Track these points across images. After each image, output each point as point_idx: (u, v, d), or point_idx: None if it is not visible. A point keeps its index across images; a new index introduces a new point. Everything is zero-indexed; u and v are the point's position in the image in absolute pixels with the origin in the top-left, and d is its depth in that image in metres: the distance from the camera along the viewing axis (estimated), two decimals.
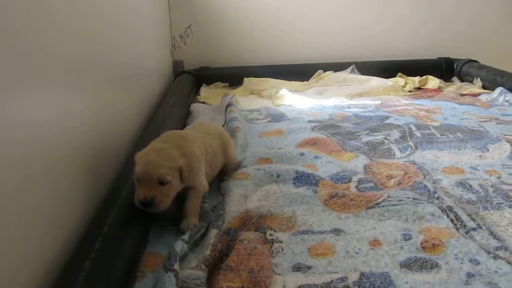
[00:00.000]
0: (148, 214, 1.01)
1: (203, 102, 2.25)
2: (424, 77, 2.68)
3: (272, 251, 0.95)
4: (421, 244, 0.95)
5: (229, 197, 1.17)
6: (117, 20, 1.45)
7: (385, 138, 1.61)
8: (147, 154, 1.00)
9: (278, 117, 1.94)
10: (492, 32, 2.92)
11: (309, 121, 1.84)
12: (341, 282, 0.85)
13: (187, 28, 2.77)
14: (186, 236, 0.97)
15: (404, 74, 2.76)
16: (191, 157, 1.05)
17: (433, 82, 2.63)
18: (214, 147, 1.23)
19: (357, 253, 0.93)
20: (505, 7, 2.91)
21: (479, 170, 1.32)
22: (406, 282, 0.84)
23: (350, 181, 1.26)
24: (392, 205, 1.10)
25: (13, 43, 0.72)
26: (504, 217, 1.05)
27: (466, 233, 0.99)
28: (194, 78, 2.61)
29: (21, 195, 0.72)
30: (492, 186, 1.21)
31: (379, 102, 2.18)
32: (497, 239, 0.96)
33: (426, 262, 0.89)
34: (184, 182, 1.03)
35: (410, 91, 2.51)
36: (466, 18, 2.89)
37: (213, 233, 0.98)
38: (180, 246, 0.93)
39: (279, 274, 0.88)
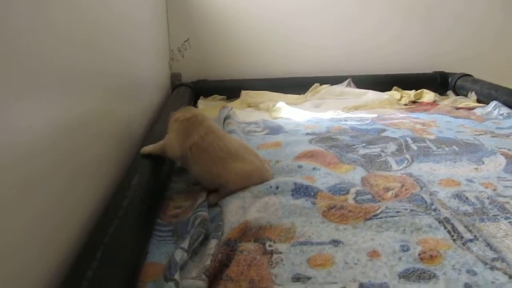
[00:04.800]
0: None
1: None
2: (420, 90, 2.72)
3: (272, 261, 0.96)
4: (419, 255, 0.95)
5: (227, 208, 1.18)
6: (117, 31, 1.46)
7: (382, 151, 1.63)
8: None
9: (275, 130, 1.96)
10: (487, 49, 2.97)
11: (306, 134, 1.86)
12: None
13: (185, 41, 2.80)
14: (185, 245, 0.98)
15: (399, 87, 2.80)
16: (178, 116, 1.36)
17: (428, 95, 2.67)
18: (207, 141, 1.28)
19: (356, 264, 0.94)
20: (500, 25, 2.96)
21: (475, 182, 1.33)
22: None
23: (348, 193, 1.27)
24: (390, 216, 1.11)
25: (15, 52, 0.73)
26: (500, 228, 1.07)
27: (463, 244, 1.00)
28: (192, 91, 2.63)
29: (22, 199, 0.73)
30: (488, 198, 1.22)
31: (375, 115, 2.21)
32: (493, 250, 0.97)
33: (424, 273, 0.90)
34: None
35: (405, 105, 2.54)
36: (461, 34, 2.94)
37: (213, 243, 0.99)
38: (179, 255, 0.94)
39: (279, 285, 0.88)
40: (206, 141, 1.27)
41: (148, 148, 1.36)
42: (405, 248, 0.98)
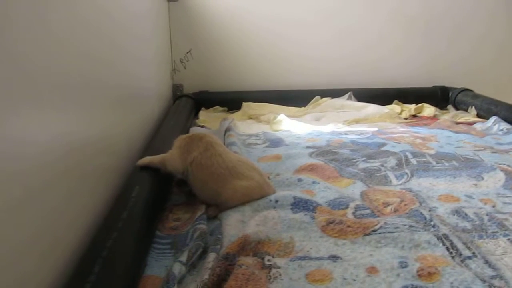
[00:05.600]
0: None
1: (202, 126, 2.28)
2: (420, 104, 2.73)
3: (270, 276, 0.95)
4: (417, 272, 0.95)
5: (227, 221, 1.18)
6: (120, 42, 1.48)
7: (382, 165, 1.63)
8: None
9: (276, 142, 1.96)
10: (487, 64, 2.98)
11: (307, 147, 1.86)
12: None
13: (187, 52, 2.81)
14: (184, 258, 0.98)
15: (400, 101, 2.81)
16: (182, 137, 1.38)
17: (428, 110, 2.68)
18: (204, 160, 1.29)
19: (354, 280, 0.94)
20: (501, 40, 2.98)
21: (474, 198, 1.33)
22: None
23: (347, 207, 1.27)
24: (389, 232, 1.11)
25: (16, 64, 0.74)
26: (499, 246, 1.07)
27: (462, 261, 1.00)
28: (193, 102, 2.64)
29: (21, 211, 0.73)
30: (487, 215, 1.22)
31: (376, 129, 2.21)
32: (492, 268, 0.97)
33: None
34: None
35: (406, 118, 2.55)
36: (461, 49, 2.96)
37: (212, 257, 0.99)
38: (178, 268, 0.94)
39: None
40: (205, 157, 1.29)
41: (145, 160, 1.36)
42: (403, 265, 0.98)
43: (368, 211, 1.25)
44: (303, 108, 2.73)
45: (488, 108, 2.45)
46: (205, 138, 1.34)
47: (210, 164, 1.27)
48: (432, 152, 1.79)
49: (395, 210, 1.25)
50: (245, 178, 1.28)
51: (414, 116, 2.63)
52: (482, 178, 1.48)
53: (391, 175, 1.53)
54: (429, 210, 1.24)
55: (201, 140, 1.33)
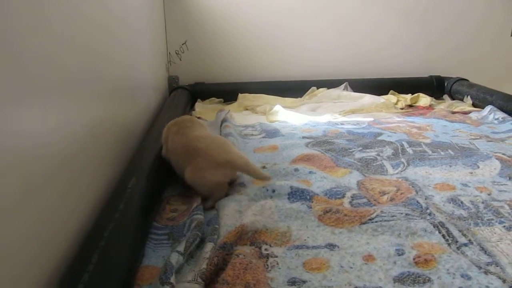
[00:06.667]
0: None
1: (198, 117, 2.27)
2: (416, 94, 2.73)
3: (268, 265, 0.96)
4: (413, 259, 0.96)
5: (223, 211, 1.18)
6: (115, 34, 1.47)
7: (378, 155, 1.63)
8: None
9: (272, 133, 1.96)
10: (482, 53, 2.99)
11: (303, 137, 1.86)
12: None
13: (183, 44, 2.80)
14: (181, 248, 0.98)
15: (395, 91, 2.81)
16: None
17: (424, 99, 2.68)
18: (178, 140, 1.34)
19: (351, 267, 0.95)
20: (496, 29, 2.98)
21: (470, 186, 1.34)
22: None
23: (343, 196, 1.28)
24: (385, 220, 1.12)
25: (15, 58, 0.73)
26: (495, 233, 1.08)
27: (458, 248, 1.00)
28: (189, 94, 2.64)
29: (20, 202, 0.73)
30: (482, 203, 1.23)
31: (371, 119, 2.22)
32: (488, 254, 0.98)
33: (418, 277, 0.90)
34: None
35: (402, 108, 2.55)
36: (456, 39, 2.96)
37: (209, 247, 0.99)
38: (175, 258, 0.94)
39: None
40: (174, 142, 1.35)
41: None
42: (400, 252, 0.99)
43: (364, 200, 1.26)
44: (299, 99, 2.73)
45: (483, 97, 2.46)
46: (178, 121, 1.42)
47: (175, 148, 1.34)
48: (428, 141, 1.79)
49: (392, 199, 1.26)
50: (199, 159, 1.26)
51: (410, 106, 2.63)
52: (478, 167, 1.49)
53: (387, 165, 1.54)
54: (425, 199, 1.25)
55: (175, 124, 1.41)
